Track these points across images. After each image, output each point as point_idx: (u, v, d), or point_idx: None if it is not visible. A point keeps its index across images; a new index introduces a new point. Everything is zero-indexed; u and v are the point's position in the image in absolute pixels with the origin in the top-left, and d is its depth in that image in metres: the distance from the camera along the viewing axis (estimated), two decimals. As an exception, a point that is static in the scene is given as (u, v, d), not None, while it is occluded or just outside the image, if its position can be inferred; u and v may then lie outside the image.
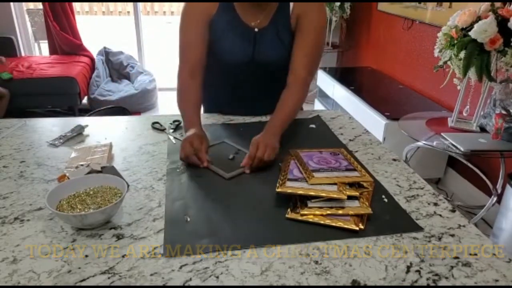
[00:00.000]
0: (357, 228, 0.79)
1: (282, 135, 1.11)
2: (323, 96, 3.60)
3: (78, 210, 0.79)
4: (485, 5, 1.81)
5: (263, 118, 1.38)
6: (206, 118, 1.38)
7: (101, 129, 1.27)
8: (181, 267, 0.69)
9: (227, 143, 1.18)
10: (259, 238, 0.77)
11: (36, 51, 4.64)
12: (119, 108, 2.21)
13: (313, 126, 1.33)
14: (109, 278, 0.67)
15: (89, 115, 1.74)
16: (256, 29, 1.24)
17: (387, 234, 0.79)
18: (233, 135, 1.23)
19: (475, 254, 0.74)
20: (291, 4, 1.25)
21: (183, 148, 1.02)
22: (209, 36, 1.24)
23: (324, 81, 3.49)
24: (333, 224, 0.80)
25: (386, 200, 0.91)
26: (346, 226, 0.79)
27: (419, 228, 0.81)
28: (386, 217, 0.85)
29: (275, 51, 1.27)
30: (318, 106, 3.72)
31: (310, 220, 0.81)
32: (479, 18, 1.77)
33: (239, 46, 1.24)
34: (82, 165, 1.00)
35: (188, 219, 0.82)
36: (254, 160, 1.01)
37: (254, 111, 1.40)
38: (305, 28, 1.22)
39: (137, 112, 3.72)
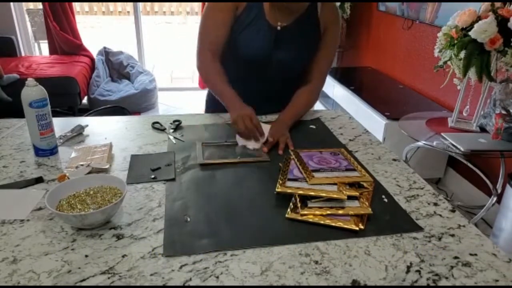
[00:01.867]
0: (357, 228, 0.79)
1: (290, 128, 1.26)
2: (323, 96, 3.59)
3: (78, 210, 0.79)
4: (485, 5, 1.81)
5: (263, 118, 1.38)
6: (205, 118, 1.38)
7: (101, 129, 1.27)
8: (181, 267, 0.69)
9: (228, 143, 1.18)
10: (259, 238, 0.77)
11: (36, 51, 4.64)
12: (117, 108, 2.20)
13: (313, 127, 1.33)
14: (109, 278, 0.67)
15: (87, 115, 1.74)
16: (278, 28, 1.25)
17: (387, 234, 0.79)
18: (234, 135, 1.23)
19: (475, 254, 0.74)
20: (318, 8, 1.27)
21: (244, 122, 1.12)
22: (232, 31, 1.26)
23: (324, 81, 3.48)
24: (333, 224, 0.80)
25: (386, 200, 0.91)
26: (346, 226, 0.79)
27: (419, 228, 0.81)
28: (386, 217, 0.85)
29: (295, 52, 1.29)
30: (318, 106, 3.72)
31: (310, 220, 0.81)
32: (479, 18, 1.77)
33: (258, 41, 1.26)
34: (82, 165, 1.00)
35: (188, 219, 0.82)
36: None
37: (259, 110, 1.39)
38: (328, 42, 1.32)
39: (137, 112, 3.72)
